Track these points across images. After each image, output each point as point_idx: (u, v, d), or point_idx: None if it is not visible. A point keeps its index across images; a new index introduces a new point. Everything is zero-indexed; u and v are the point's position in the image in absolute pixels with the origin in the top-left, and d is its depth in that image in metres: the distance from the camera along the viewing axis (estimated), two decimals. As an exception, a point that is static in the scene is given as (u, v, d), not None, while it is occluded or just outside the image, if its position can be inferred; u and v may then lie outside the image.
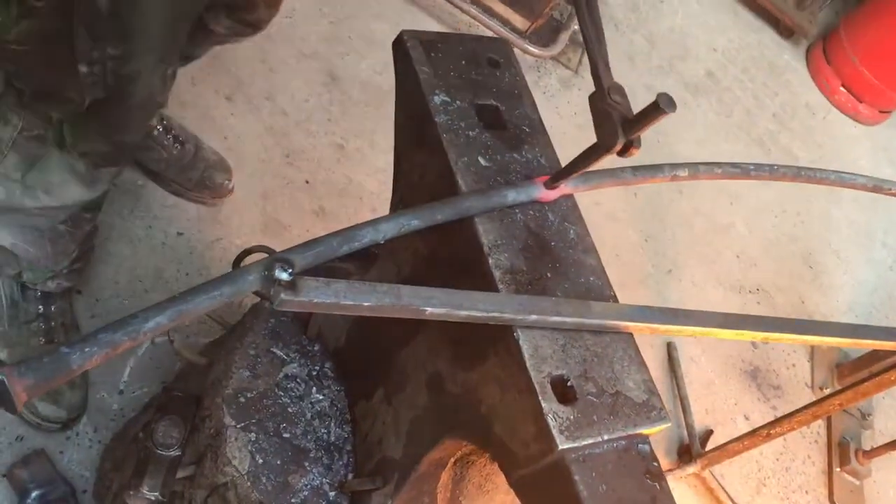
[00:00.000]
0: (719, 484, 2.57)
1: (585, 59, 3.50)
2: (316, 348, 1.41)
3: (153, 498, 1.22)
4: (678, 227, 3.32)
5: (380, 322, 1.31)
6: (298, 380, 1.36)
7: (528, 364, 1.00)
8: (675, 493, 2.66)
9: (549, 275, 1.10)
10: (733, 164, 1.32)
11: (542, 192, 1.09)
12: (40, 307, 1.80)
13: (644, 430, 1.05)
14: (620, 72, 3.58)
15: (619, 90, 0.97)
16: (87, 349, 0.71)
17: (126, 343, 0.73)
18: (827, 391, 3.14)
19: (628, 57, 3.72)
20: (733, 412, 2.90)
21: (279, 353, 1.37)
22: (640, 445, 1.05)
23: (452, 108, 1.18)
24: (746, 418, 2.91)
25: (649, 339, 2.88)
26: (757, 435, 2.37)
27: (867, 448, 2.97)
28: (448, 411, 1.15)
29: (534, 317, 0.96)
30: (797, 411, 2.27)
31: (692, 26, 4.10)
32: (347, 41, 2.88)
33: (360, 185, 2.58)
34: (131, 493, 1.22)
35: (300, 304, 0.81)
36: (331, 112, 2.68)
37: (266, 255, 1.54)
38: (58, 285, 1.80)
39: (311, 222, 2.43)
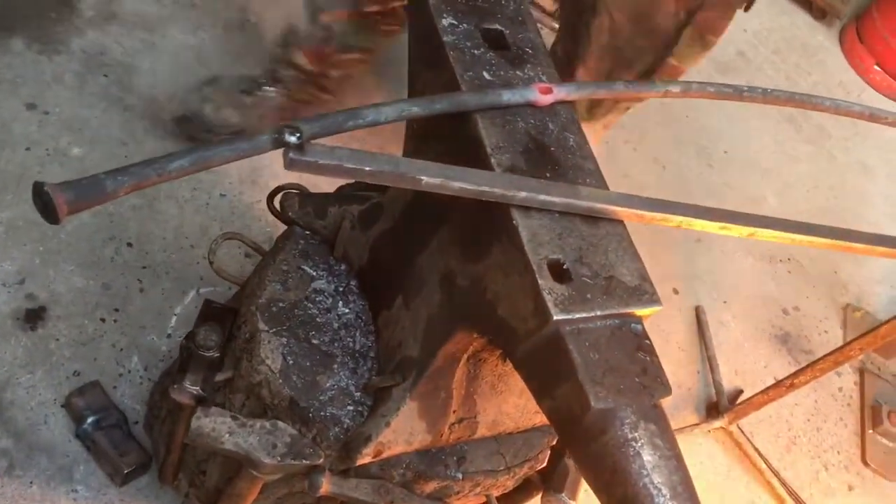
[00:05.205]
0: (747, 438, 2.62)
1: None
2: (342, 268, 1.52)
3: (195, 392, 1.34)
4: (707, 198, 3.36)
5: (399, 233, 1.43)
6: (326, 294, 1.48)
7: (526, 247, 1.10)
8: (703, 449, 2.71)
9: (548, 175, 1.20)
10: (726, 85, 1.40)
11: (536, 96, 1.19)
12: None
13: (637, 311, 1.14)
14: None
15: None
16: (119, 178, 0.82)
17: (153, 178, 0.83)
18: (860, 358, 3.15)
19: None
20: (763, 374, 2.94)
21: (308, 270, 1.49)
22: (633, 325, 1.13)
23: (459, 30, 1.28)
24: (776, 380, 2.94)
25: (678, 303, 2.94)
26: (781, 385, 2.43)
27: (901, 411, 2.98)
28: (458, 304, 1.25)
29: (523, 194, 1.06)
30: (819, 359, 2.32)
31: (722, 7, 4.15)
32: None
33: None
34: (175, 386, 1.35)
35: (307, 164, 0.92)
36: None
37: (298, 192, 1.67)
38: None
39: (346, 187, 2.56)
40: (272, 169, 2.46)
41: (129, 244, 2.14)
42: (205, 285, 2.17)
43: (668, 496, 0.99)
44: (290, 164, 0.92)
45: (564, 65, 2.20)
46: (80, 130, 2.27)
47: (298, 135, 0.92)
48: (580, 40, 2.12)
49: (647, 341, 1.13)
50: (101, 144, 2.27)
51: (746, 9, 2.02)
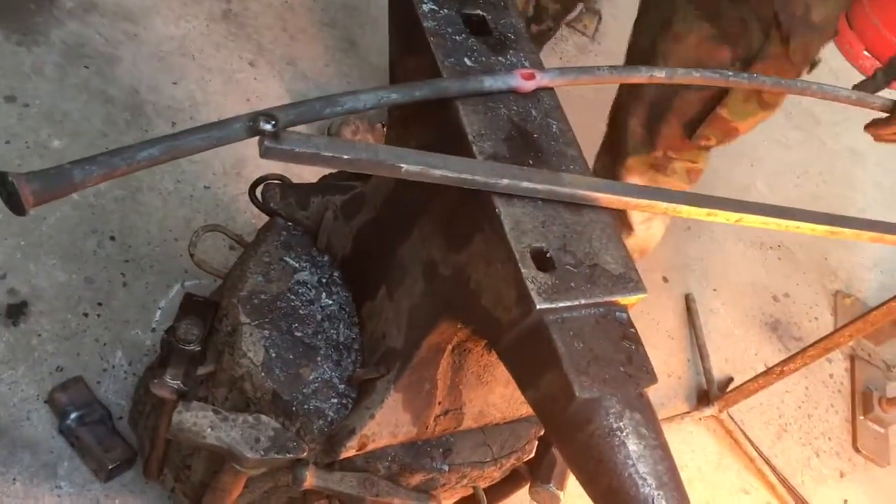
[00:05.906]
0: (738, 426, 2.61)
1: (602, 27, 3.58)
2: (325, 259, 1.50)
3: (175, 386, 1.32)
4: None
5: (381, 223, 1.41)
6: (309, 286, 1.46)
7: (508, 235, 1.08)
8: (694, 437, 2.71)
9: (531, 162, 1.18)
10: (712, 70, 1.38)
11: (519, 82, 1.16)
12: None
13: (621, 299, 1.12)
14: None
15: None
16: (87, 167, 0.80)
17: (122, 167, 0.81)
18: (851, 345, 3.15)
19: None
20: (754, 362, 2.93)
21: (291, 261, 1.47)
22: (617, 313, 1.12)
23: (440, 16, 1.26)
24: (766, 367, 2.94)
25: (667, 291, 2.93)
26: (771, 373, 2.42)
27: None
28: (441, 294, 1.23)
29: (505, 181, 1.04)
30: (809, 346, 2.32)
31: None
32: (366, 10, 2.99)
33: (379, 144, 2.68)
34: (155, 381, 1.32)
35: (283, 153, 0.90)
36: (350, 76, 2.79)
37: (280, 183, 1.65)
38: None
39: (332, 178, 2.54)
40: (257, 160, 2.42)
41: (112, 237, 2.12)
42: (189, 278, 2.14)
43: (653, 486, 0.97)
44: (265, 153, 0.90)
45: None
46: (61, 123, 2.23)
47: (273, 122, 0.89)
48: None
49: (633, 329, 1.12)
50: (82, 137, 2.24)
51: (809, 70, 1.91)
